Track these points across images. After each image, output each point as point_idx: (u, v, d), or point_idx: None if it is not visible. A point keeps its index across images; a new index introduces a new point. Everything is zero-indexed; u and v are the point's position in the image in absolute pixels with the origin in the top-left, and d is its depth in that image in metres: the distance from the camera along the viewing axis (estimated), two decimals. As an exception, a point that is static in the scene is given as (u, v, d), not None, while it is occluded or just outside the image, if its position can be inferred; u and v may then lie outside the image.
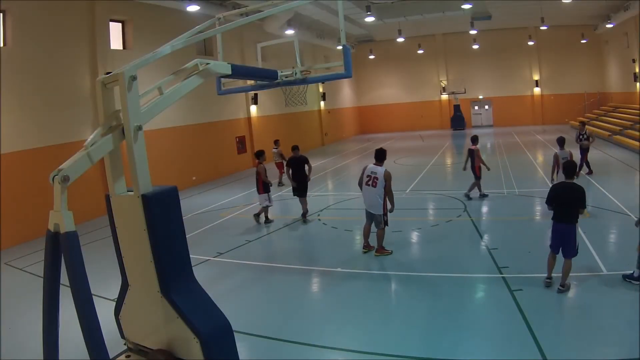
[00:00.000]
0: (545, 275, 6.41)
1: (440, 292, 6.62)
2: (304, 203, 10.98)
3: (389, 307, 6.45)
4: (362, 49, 34.58)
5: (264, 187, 10.84)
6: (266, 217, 11.15)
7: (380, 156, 8.03)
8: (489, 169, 12.11)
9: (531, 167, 16.74)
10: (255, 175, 11.15)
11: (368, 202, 8.07)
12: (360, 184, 8.16)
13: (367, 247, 8.40)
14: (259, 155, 11.15)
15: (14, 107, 11.25)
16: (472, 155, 11.78)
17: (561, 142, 10.61)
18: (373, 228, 8.32)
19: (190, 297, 4.25)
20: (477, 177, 11.86)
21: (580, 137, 14.15)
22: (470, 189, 11.98)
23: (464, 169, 12.16)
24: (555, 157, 10.23)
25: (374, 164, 8.03)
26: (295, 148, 11.20)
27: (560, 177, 8.43)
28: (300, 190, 10.89)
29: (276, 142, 16.81)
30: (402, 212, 11.51)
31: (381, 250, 8.20)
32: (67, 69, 12.97)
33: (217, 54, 7.91)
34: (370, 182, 7.89)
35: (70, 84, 13.07)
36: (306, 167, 10.95)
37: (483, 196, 11.95)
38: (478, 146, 11.88)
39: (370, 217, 8.19)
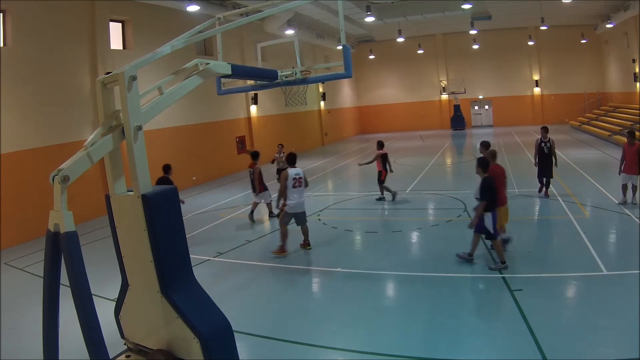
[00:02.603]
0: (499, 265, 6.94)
1: (440, 292, 6.62)
2: None
3: (389, 307, 6.45)
4: (362, 49, 34.58)
5: (263, 185, 11.04)
6: (271, 210, 11.38)
7: (294, 160, 8.63)
8: (391, 171, 12.43)
9: (531, 167, 16.70)
10: (250, 176, 11.18)
11: (301, 202, 8.48)
12: (282, 192, 8.35)
13: (306, 244, 8.81)
14: (256, 156, 11.22)
15: (14, 107, 11.25)
16: (384, 159, 12.07)
17: (486, 146, 9.77)
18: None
19: (190, 297, 4.25)
20: (381, 180, 12.17)
21: (542, 145, 11.36)
22: (386, 190, 12.33)
23: (389, 171, 12.51)
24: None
25: (292, 168, 8.46)
26: (165, 169, 9.63)
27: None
28: None
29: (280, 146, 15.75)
30: (402, 212, 11.54)
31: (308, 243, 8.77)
32: (67, 69, 12.97)
33: (217, 54, 7.91)
34: (297, 184, 8.38)
35: (70, 84, 13.07)
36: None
37: (380, 199, 12.33)
38: (384, 150, 12.23)
39: (299, 217, 8.54)
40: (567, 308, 5.84)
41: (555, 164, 11.31)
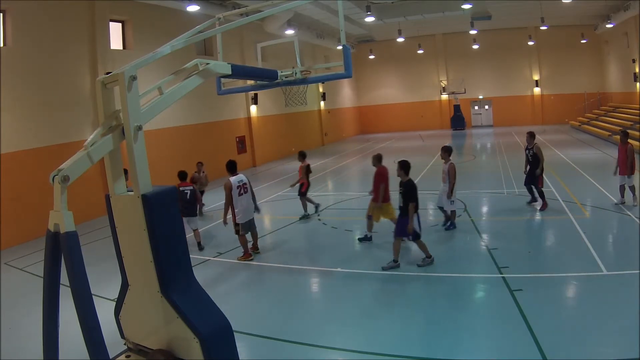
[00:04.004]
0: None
1: (440, 292, 6.63)
2: None
3: (389, 307, 6.44)
4: (362, 49, 34.58)
5: (194, 209, 9.47)
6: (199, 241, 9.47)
7: (234, 167, 8.46)
8: (292, 186, 11.86)
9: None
10: (187, 196, 9.24)
11: (250, 209, 8.42)
12: (229, 203, 8.21)
13: (255, 248, 8.85)
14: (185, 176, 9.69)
15: (14, 107, 11.25)
16: (307, 170, 11.22)
17: (449, 151, 9.34)
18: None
19: (190, 297, 4.25)
20: (302, 192, 11.22)
21: (527, 152, 10.61)
22: (309, 202, 11.42)
23: (292, 184, 11.87)
24: (452, 168, 9.12)
25: (235, 176, 8.27)
26: None
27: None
28: None
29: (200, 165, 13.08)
30: (402, 212, 11.52)
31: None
32: (67, 69, 12.97)
33: (217, 54, 7.91)
34: (243, 191, 8.26)
35: (70, 84, 13.07)
36: None
37: (306, 217, 11.24)
38: (307, 162, 11.35)
39: (249, 224, 8.48)
40: (567, 308, 5.85)
41: (538, 171, 10.28)
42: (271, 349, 5.33)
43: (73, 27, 13.13)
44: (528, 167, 10.58)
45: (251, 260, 8.51)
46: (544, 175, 10.59)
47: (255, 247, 8.86)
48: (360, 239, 9.09)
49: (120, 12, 15.01)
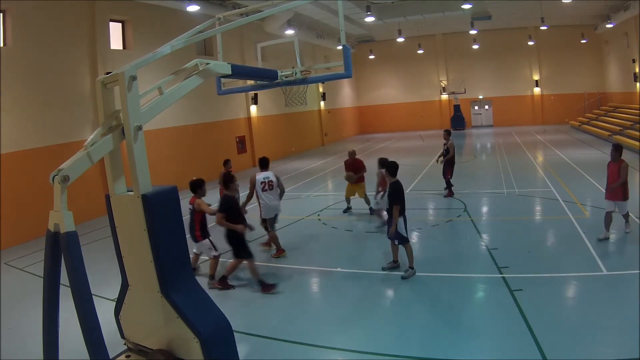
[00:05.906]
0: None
1: (440, 292, 6.63)
2: None
3: (389, 307, 6.45)
4: (362, 49, 34.58)
5: (202, 229, 7.65)
6: (212, 274, 7.47)
7: (265, 163, 8.59)
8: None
9: (531, 167, 16.77)
10: (190, 215, 7.64)
11: (272, 206, 8.37)
12: (250, 197, 8.38)
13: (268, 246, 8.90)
14: (200, 185, 7.89)
15: (14, 107, 11.24)
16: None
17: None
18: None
19: (190, 297, 4.26)
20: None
21: (443, 146, 12.29)
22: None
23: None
24: (380, 175, 9.15)
25: (263, 172, 8.42)
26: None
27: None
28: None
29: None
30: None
31: (281, 250, 8.59)
32: (67, 69, 12.97)
33: (217, 54, 7.91)
34: (268, 187, 8.32)
35: (70, 84, 13.07)
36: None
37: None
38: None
39: (270, 221, 8.48)
40: (567, 308, 5.84)
41: (439, 160, 12.44)
42: (272, 349, 5.33)
43: (73, 27, 13.13)
44: (441, 158, 12.34)
45: (285, 255, 8.47)
46: (454, 169, 12.30)
47: (268, 244, 8.89)
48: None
49: (120, 12, 15.01)
